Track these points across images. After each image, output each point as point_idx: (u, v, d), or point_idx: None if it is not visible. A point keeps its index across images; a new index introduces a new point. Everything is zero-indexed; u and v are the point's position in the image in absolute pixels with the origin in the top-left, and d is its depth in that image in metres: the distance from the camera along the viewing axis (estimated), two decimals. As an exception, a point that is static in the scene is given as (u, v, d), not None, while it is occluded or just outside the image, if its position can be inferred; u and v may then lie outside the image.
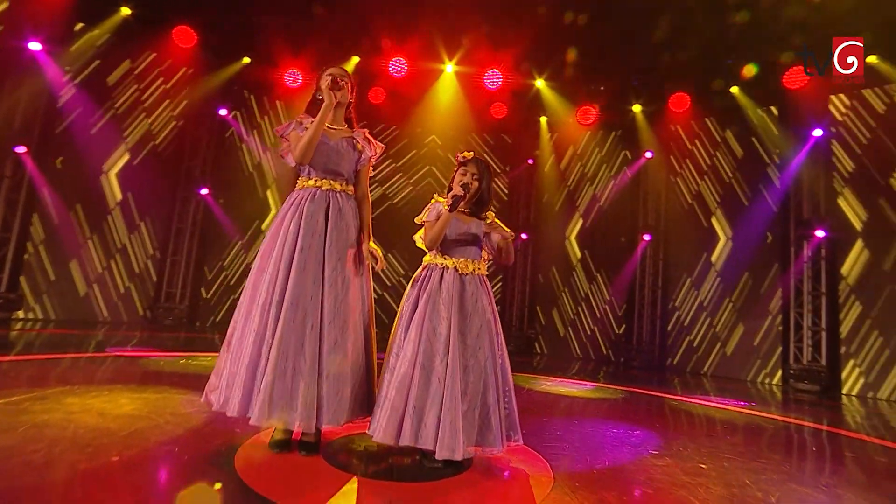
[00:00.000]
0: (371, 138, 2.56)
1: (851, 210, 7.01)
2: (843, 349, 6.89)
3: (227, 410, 2.15)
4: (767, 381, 7.42)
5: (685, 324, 8.21)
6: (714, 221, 8.15)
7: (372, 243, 2.48)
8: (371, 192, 2.63)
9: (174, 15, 7.34)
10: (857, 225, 6.95)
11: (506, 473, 2.29)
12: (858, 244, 6.94)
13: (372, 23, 7.36)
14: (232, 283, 8.52)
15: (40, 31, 6.55)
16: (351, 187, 2.48)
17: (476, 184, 2.47)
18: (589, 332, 8.97)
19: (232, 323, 2.35)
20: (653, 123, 8.57)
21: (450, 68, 8.11)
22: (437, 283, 2.38)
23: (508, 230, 2.52)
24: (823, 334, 7.13)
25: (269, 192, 8.88)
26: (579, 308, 9.13)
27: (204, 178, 8.19)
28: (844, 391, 6.77)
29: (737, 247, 7.90)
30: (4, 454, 1.94)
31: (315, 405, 2.12)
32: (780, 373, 7.35)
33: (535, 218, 9.56)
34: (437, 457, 2.10)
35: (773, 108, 7.71)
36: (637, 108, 8.56)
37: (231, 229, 8.46)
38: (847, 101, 7.16)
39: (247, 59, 8.11)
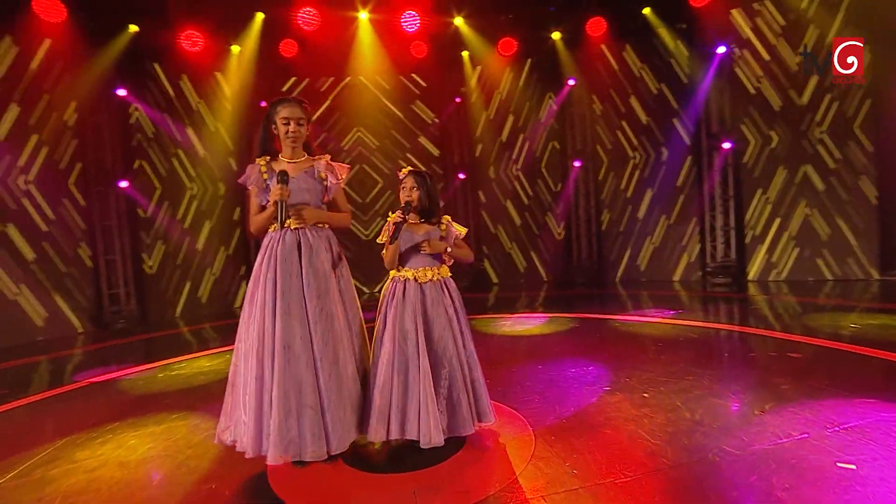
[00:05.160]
0: (333, 164, 2.63)
1: (751, 122, 7.75)
2: (748, 239, 7.96)
3: (241, 450, 2.40)
4: (695, 276, 8.46)
5: (621, 231, 9.00)
6: (643, 140, 8.69)
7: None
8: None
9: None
10: (752, 138, 7.75)
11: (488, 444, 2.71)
12: (753, 145, 7.80)
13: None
14: (176, 273, 8.25)
15: None
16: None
17: (415, 196, 2.62)
18: (533, 259, 9.65)
19: (232, 366, 2.54)
20: (573, 50, 8.70)
21: (363, 15, 7.68)
22: (400, 296, 2.62)
23: (455, 232, 2.70)
24: (732, 232, 8.17)
25: (195, 167, 8.36)
26: (522, 237, 9.68)
27: (116, 168, 7.51)
28: (751, 277, 7.93)
29: (662, 164, 8.59)
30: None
31: (323, 436, 2.37)
32: (700, 271, 8.44)
33: (469, 156, 9.61)
34: (422, 445, 2.45)
35: (683, 26, 8.03)
36: (556, 35, 8.61)
37: (171, 224, 8.14)
38: (746, 17, 7.62)
39: (134, 28, 7.21)
